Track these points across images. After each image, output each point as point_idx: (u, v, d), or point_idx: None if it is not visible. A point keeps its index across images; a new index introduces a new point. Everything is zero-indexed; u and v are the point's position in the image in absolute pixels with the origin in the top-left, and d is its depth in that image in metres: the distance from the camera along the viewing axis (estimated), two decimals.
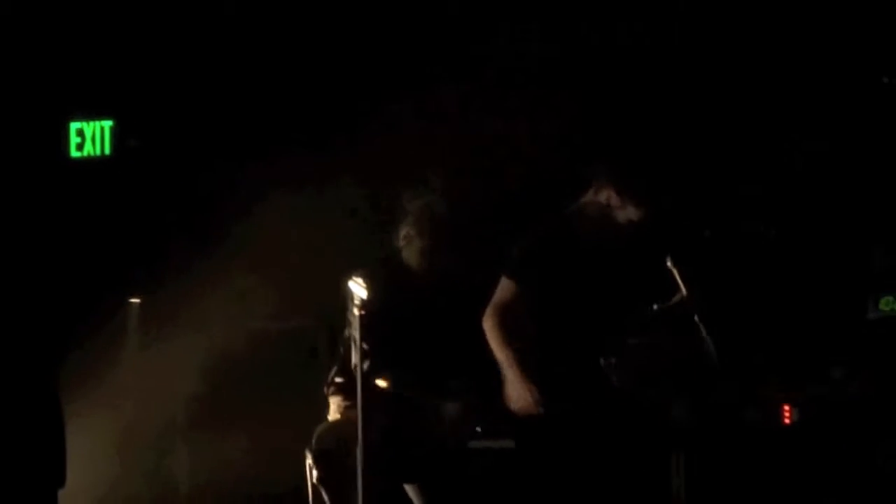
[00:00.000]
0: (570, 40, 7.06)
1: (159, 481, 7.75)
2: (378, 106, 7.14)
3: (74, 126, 8.05)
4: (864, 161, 7.17)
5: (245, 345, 7.41)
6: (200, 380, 7.45)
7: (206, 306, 7.34)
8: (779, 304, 7.10)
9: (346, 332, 5.77)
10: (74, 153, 8.07)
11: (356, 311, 5.42)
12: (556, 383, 5.22)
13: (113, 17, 7.75)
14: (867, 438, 6.52)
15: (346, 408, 5.84)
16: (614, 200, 5.35)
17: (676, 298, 5.43)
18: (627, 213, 5.34)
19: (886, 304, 7.05)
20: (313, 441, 5.80)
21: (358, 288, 5.41)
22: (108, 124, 8.02)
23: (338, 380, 5.95)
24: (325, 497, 5.75)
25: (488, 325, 5.33)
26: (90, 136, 8.03)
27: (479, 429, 5.66)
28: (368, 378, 5.55)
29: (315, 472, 5.76)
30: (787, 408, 6.68)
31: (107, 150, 8.02)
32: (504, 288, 5.37)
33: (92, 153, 8.03)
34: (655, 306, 5.45)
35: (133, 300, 7.97)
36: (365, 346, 5.48)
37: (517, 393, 5.26)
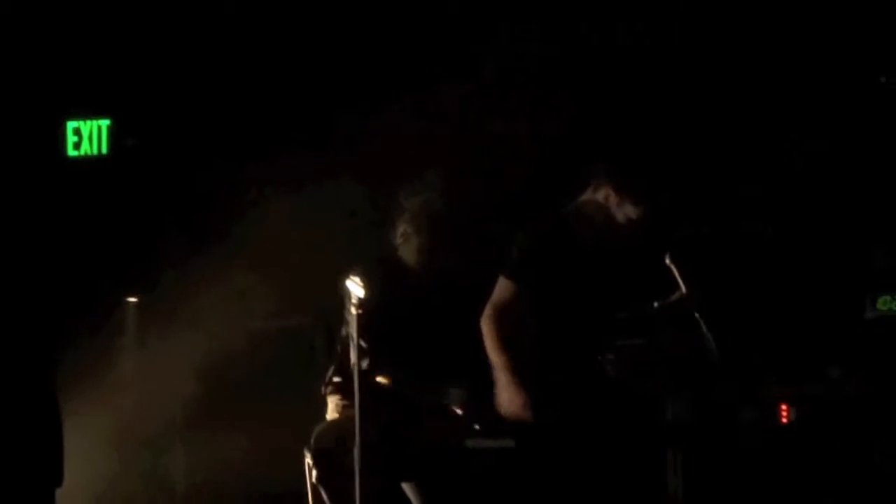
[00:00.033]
0: (570, 40, 7.06)
1: (157, 480, 7.73)
2: (378, 106, 7.14)
3: (71, 125, 8.00)
4: (863, 161, 7.17)
5: (244, 344, 7.39)
6: (198, 379, 7.43)
7: (204, 305, 7.32)
8: (776, 303, 7.10)
9: (344, 331, 5.76)
10: (71, 152, 8.02)
11: (353, 310, 5.41)
12: (550, 391, 5.22)
13: (110, 16, 7.73)
14: (864, 437, 6.51)
15: (344, 407, 5.84)
16: (612, 199, 5.35)
17: (676, 296, 5.44)
18: (626, 212, 5.35)
19: (884, 303, 7.03)
20: (312, 440, 5.80)
21: (355, 286, 5.41)
22: (105, 123, 7.98)
23: (336, 379, 5.95)
24: (325, 496, 5.74)
25: (486, 326, 5.33)
26: (87, 135, 8.00)
27: (476, 427, 5.65)
28: (368, 376, 5.55)
29: (314, 472, 5.75)
30: (784, 407, 6.67)
31: (104, 149, 7.98)
32: (502, 287, 5.37)
33: (89, 152, 7.99)
34: (656, 304, 5.45)
35: (131, 299, 7.94)
36: (363, 344, 5.48)
37: (508, 397, 5.26)
